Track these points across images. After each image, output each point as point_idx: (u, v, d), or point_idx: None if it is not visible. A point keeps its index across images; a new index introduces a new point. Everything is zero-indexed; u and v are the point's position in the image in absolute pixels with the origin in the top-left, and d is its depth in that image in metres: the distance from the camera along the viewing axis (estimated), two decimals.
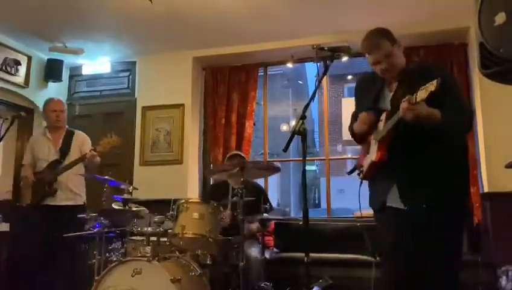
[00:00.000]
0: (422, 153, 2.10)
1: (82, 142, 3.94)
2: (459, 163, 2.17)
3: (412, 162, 2.11)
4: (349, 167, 2.52)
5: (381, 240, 2.30)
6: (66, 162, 3.78)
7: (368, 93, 2.35)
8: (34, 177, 3.78)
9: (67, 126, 4.06)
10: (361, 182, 2.35)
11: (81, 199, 3.89)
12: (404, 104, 1.99)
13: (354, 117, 2.42)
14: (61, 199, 3.75)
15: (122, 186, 3.50)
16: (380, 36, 2.22)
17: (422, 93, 1.86)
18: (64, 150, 3.86)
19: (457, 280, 2.12)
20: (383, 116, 2.16)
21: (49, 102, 4.01)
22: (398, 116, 2.03)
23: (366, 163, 2.28)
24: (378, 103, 2.28)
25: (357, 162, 2.43)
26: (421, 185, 2.10)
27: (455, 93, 2.17)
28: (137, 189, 3.73)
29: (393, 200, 2.17)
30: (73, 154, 3.82)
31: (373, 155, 2.20)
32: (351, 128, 2.46)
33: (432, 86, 1.82)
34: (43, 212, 3.72)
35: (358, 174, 2.35)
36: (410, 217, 2.11)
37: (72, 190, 3.80)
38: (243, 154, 4.05)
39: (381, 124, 2.18)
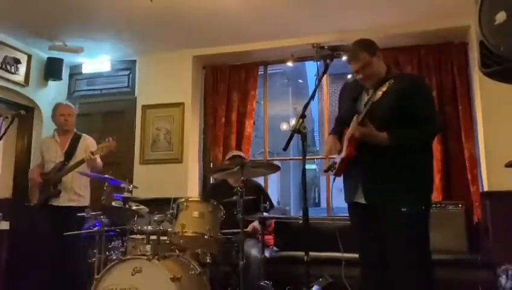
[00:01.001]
0: (385, 155, 2.29)
1: (87, 145, 4.00)
2: (419, 165, 2.34)
3: (376, 162, 2.31)
4: None
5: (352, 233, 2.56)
6: (71, 164, 3.84)
7: (348, 96, 2.58)
8: (40, 178, 3.86)
9: (75, 130, 4.11)
10: (334, 179, 2.53)
11: (85, 201, 3.94)
12: (352, 124, 2.30)
13: (336, 120, 2.68)
14: (64, 200, 3.82)
15: (122, 185, 3.51)
16: (358, 48, 2.43)
17: (378, 95, 2.17)
18: (70, 153, 3.94)
19: (429, 277, 2.28)
20: (355, 118, 2.35)
21: (58, 106, 4.08)
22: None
23: (338, 160, 2.46)
24: (356, 104, 2.48)
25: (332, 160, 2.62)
26: (382, 186, 2.30)
27: (423, 104, 2.37)
28: (137, 188, 3.73)
29: (360, 197, 2.39)
30: (78, 157, 3.87)
31: (343, 152, 2.39)
32: (333, 131, 2.65)
33: (384, 87, 2.14)
34: (47, 212, 3.81)
35: (332, 170, 2.50)
36: (372, 213, 2.34)
37: (76, 191, 3.88)
38: (242, 155, 4.04)
39: (351, 124, 2.37)
